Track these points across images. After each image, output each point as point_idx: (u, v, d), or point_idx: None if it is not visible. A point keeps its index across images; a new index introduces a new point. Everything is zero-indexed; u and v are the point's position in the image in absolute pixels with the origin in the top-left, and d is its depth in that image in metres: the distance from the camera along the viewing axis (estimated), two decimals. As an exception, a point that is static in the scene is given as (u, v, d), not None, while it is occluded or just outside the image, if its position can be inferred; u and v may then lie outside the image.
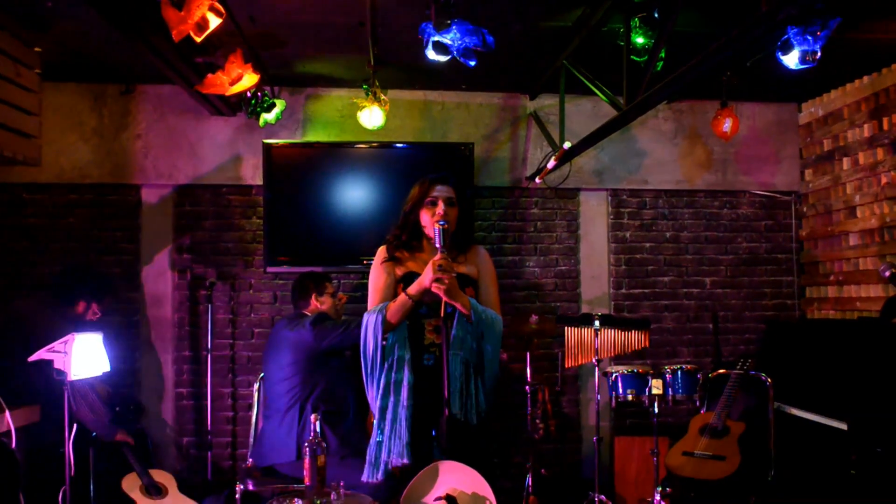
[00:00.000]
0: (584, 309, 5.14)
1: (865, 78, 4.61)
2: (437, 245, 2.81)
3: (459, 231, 3.03)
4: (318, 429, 3.09)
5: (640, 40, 3.09)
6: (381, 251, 3.03)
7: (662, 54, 3.01)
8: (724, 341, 5.23)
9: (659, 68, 3.04)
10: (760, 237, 5.36)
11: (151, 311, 4.93)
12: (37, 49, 3.78)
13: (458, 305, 2.82)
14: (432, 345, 2.93)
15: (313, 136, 5.01)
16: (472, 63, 2.92)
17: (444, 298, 2.77)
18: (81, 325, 4.03)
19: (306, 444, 3.07)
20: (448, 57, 2.98)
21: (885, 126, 4.48)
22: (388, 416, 2.89)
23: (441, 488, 2.75)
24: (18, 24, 3.60)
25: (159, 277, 4.95)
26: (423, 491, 2.78)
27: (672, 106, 5.25)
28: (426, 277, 2.81)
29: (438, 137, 5.07)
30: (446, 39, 2.93)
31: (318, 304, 4.04)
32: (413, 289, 2.87)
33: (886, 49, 4.20)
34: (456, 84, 4.97)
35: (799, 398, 4.19)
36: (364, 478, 2.92)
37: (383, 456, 2.89)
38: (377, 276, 2.99)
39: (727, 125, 4.40)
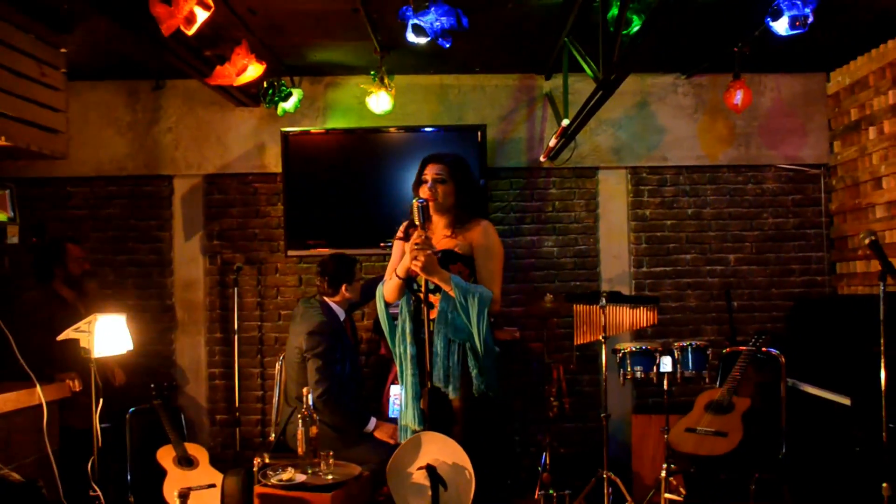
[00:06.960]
0: (605, 288, 5.11)
1: (890, 42, 4.40)
2: (417, 222, 2.91)
3: (459, 207, 3.14)
4: (310, 402, 3.26)
5: (617, 12, 3.07)
6: (400, 229, 3.26)
7: (638, 23, 2.96)
8: (749, 319, 5.11)
9: (633, 36, 2.97)
10: (788, 212, 5.19)
11: (185, 295, 5.19)
12: (63, 50, 4.02)
13: (435, 280, 2.92)
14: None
15: (333, 124, 5.15)
16: (448, 44, 2.97)
17: (421, 275, 2.88)
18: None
19: (298, 416, 3.25)
20: (427, 39, 3.04)
21: (911, 92, 4.29)
22: (403, 383, 3.11)
23: (424, 458, 2.86)
24: (43, 27, 3.84)
25: (191, 263, 5.20)
26: (407, 461, 2.90)
27: (692, 80, 5.14)
28: (408, 255, 2.94)
29: (455, 120, 5.12)
30: (423, 21, 2.99)
31: (348, 293, 4.11)
32: (400, 268, 3.06)
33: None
34: (471, 67, 5.01)
35: (815, 375, 4.07)
36: (400, 439, 3.14)
37: (403, 420, 3.13)
38: (393, 251, 3.28)
39: (738, 98, 4.29)
